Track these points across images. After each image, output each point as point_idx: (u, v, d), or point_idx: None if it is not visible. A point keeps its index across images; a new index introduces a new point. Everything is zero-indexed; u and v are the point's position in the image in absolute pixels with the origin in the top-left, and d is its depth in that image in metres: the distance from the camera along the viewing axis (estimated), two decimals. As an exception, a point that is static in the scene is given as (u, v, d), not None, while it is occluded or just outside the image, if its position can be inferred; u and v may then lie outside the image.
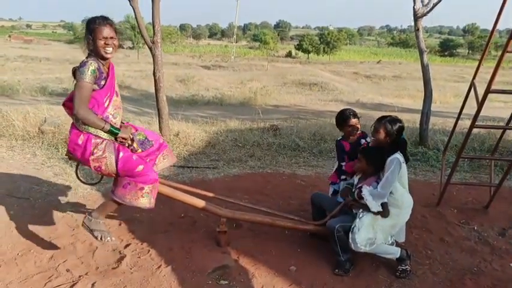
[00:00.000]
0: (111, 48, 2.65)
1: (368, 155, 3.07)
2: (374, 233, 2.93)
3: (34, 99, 13.21)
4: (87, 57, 2.64)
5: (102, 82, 2.66)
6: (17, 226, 3.46)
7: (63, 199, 4.17)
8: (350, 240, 2.92)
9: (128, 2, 6.25)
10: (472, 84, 3.98)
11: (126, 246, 3.23)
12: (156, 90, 6.71)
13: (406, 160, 3.04)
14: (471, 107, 3.81)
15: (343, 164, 3.46)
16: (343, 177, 3.46)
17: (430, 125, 7.30)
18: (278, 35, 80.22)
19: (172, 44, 64.16)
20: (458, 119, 4.52)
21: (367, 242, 2.91)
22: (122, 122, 2.93)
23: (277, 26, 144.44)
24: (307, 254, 3.21)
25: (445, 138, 6.48)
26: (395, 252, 2.99)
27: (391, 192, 2.93)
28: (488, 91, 3.22)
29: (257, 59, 45.99)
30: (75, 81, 2.58)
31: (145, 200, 2.78)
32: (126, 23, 39.74)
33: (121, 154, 2.72)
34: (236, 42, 61.25)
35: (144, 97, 18.52)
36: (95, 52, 2.64)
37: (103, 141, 2.70)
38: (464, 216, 4.01)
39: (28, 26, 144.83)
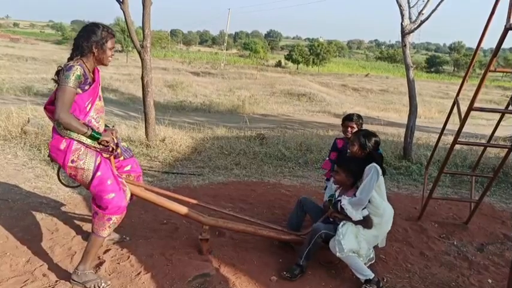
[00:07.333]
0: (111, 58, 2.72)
1: (345, 166, 3.11)
2: (358, 244, 2.94)
3: (18, 98, 12.98)
4: (72, 60, 2.57)
5: (86, 87, 2.60)
6: (-6, 228, 3.37)
7: (43, 201, 4.09)
8: (335, 244, 2.89)
9: (119, 5, 6.24)
10: (456, 101, 4.06)
11: (106, 251, 3.17)
12: (144, 94, 6.69)
13: (383, 172, 3.07)
14: (454, 123, 3.89)
15: (327, 158, 3.85)
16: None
17: (415, 140, 7.42)
18: (268, 44, 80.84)
19: (162, 49, 64.11)
20: (441, 134, 4.60)
21: (351, 251, 2.90)
22: (106, 126, 2.89)
23: (268, 35, 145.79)
24: (288, 265, 3.20)
25: (428, 153, 6.58)
26: (368, 275, 2.92)
27: (369, 201, 2.95)
28: (470, 108, 3.30)
29: (247, 68, 46.18)
30: (56, 84, 2.52)
31: (107, 232, 2.73)
32: (116, 26, 39.58)
33: (98, 173, 2.65)
34: (226, 50, 61.43)
35: (131, 101, 18.40)
36: (97, 58, 2.63)
37: (85, 148, 2.63)
38: (444, 231, 4.07)
39: (15, 24, 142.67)
